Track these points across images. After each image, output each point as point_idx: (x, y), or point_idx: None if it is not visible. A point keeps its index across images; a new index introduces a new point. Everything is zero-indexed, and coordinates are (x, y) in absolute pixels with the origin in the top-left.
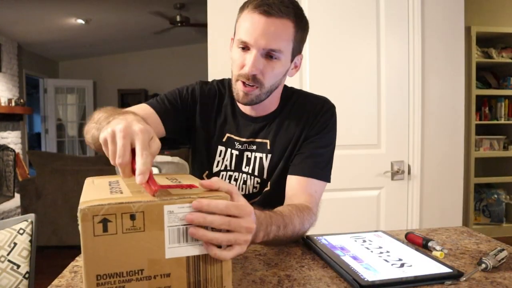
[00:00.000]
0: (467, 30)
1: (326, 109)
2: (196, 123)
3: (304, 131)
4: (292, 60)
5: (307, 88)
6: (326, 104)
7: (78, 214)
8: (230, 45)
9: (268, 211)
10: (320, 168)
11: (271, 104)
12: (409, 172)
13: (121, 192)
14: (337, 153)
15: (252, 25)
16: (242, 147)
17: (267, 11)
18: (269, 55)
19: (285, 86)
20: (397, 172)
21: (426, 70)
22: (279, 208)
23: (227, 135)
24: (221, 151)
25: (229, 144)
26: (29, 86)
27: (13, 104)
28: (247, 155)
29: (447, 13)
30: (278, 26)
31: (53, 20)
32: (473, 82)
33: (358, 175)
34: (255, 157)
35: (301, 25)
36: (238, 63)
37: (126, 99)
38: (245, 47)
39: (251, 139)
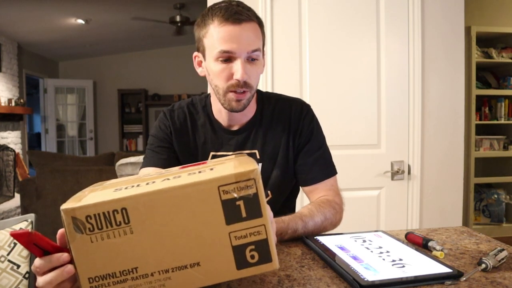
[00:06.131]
0: (467, 30)
1: (305, 112)
2: (176, 150)
3: (291, 139)
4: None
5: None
6: (304, 107)
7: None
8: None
9: (288, 215)
10: (326, 167)
11: (250, 109)
12: (409, 172)
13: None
14: (337, 153)
15: (231, 35)
16: None
17: (238, 18)
18: (250, 58)
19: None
20: (397, 172)
21: (426, 70)
22: (301, 210)
23: (212, 153)
24: None
25: None
26: (29, 86)
27: (13, 104)
28: None
29: (447, 13)
30: (251, 29)
31: (53, 20)
32: (473, 82)
33: (358, 175)
34: None
35: (261, 23)
36: (225, 75)
37: (126, 99)
38: (228, 58)
39: (238, 152)
